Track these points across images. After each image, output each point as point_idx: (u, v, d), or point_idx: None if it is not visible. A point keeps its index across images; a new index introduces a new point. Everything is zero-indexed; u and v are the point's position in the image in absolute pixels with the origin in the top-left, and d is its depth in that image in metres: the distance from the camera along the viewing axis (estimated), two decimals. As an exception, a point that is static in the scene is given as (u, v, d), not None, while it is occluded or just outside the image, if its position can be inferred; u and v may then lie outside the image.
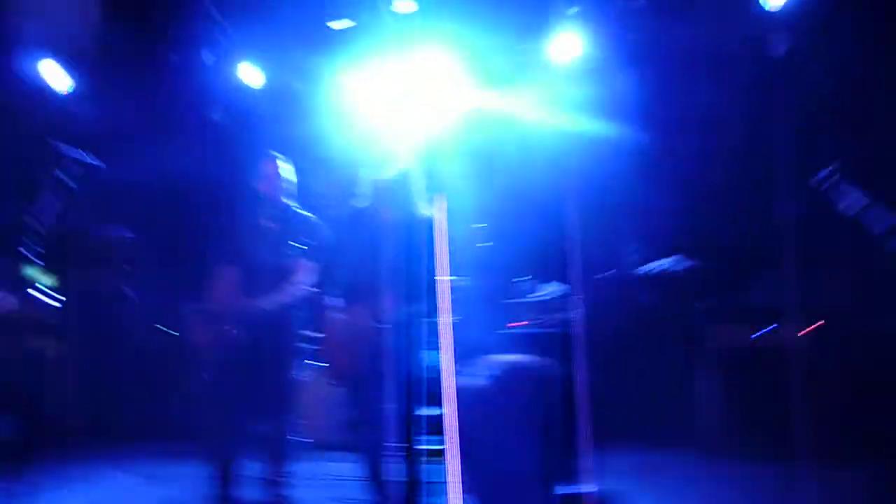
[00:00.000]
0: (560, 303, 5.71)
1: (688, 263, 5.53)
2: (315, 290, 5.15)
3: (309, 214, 4.01)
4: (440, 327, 3.83)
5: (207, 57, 5.95)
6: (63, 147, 3.60)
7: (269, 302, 3.69)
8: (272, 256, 3.86)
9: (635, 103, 5.85)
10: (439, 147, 5.71)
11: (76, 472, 5.04)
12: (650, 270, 5.59)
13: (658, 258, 5.65)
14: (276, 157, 4.03)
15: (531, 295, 5.93)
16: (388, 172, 3.64)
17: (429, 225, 3.52)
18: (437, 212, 3.60)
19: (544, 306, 5.76)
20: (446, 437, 4.24)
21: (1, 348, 5.82)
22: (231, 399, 3.69)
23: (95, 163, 3.66)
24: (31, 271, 5.39)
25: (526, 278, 6.01)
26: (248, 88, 6.19)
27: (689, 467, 4.79)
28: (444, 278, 4.03)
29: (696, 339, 5.34)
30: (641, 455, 5.07)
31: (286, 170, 4.06)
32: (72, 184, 3.56)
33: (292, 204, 4.09)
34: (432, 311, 4.15)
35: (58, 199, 3.50)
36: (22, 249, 3.33)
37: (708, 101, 5.72)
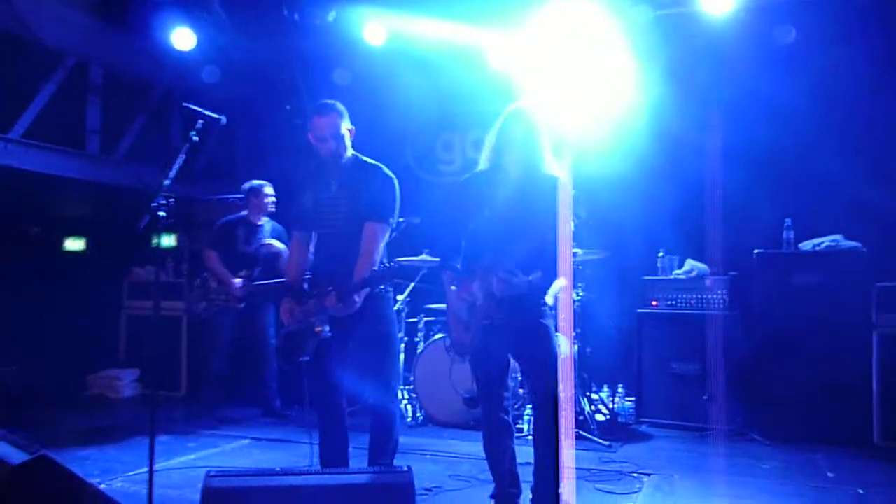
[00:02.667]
0: (704, 281, 5.62)
1: (853, 243, 5.25)
2: (433, 259, 5.47)
3: (389, 172, 3.74)
4: (562, 304, 3.84)
5: (329, 14, 6.12)
6: (193, 108, 3.72)
7: (347, 294, 3.49)
8: (336, 222, 3.70)
9: (791, 61, 5.67)
10: (571, 107, 5.80)
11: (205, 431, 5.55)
12: (809, 249, 5.36)
13: (818, 235, 5.41)
14: (330, 106, 3.70)
15: (673, 272, 5.85)
16: (514, 132, 3.52)
17: (555, 190, 3.46)
18: (563, 177, 3.55)
19: (686, 284, 5.69)
20: (561, 420, 4.28)
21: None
22: (330, 377, 3.74)
23: (223, 121, 3.78)
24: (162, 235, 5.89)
25: (665, 254, 5.96)
26: (369, 48, 6.39)
27: (854, 468, 4.54)
28: (568, 250, 4.04)
29: (863, 325, 5.07)
30: (799, 453, 4.92)
31: (344, 119, 3.71)
32: (199, 141, 3.66)
33: (366, 159, 3.80)
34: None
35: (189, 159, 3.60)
36: (160, 212, 3.36)
37: (872, 60, 5.42)
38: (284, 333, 3.73)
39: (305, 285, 3.79)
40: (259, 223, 6.09)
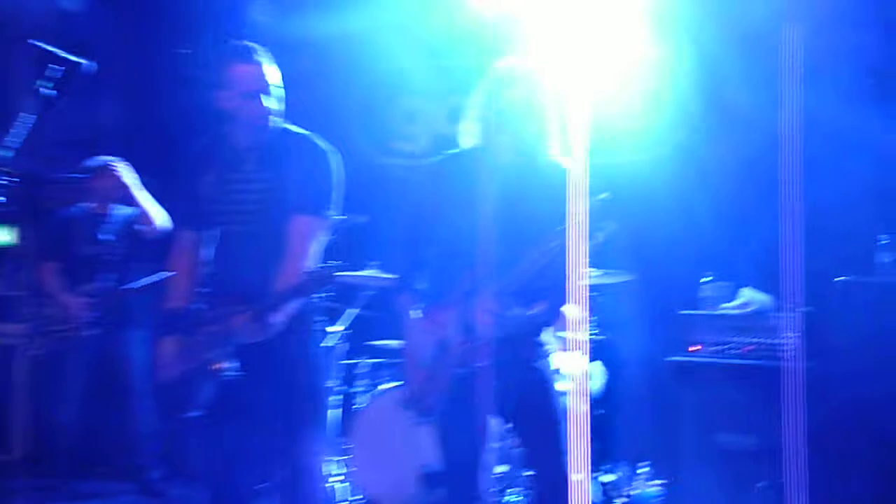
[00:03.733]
0: (768, 319, 5.57)
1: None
2: (385, 276, 5.35)
3: (325, 145, 3.76)
4: (574, 344, 3.83)
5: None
6: (44, 47, 3.72)
7: (271, 302, 3.52)
8: (249, 215, 3.73)
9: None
10: (586, 67, 5.74)
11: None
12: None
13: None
14: (254, 48, 3.70)
15: (722, 305, 5.79)
16: (509, 100, 3.57)
17: (564, 184, 3.50)
18: (575, 167, 3.57)
19: (742, 323, 5.62)
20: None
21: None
22: (231, 440, 3.73)
23: (86, 66, 3.75)
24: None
25: (713, 279, 5.90)
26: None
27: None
28: (582, 270, 4.08)
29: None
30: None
31: (269, 72, 3.71)
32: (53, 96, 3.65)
33: (292, 128, 3.83)
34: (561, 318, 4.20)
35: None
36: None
37: None
38: (167, 378, 3.70)
39: (198, 306, 3.79)
40: (106, 213, 6.14)
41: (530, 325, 3.51)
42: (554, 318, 3.61)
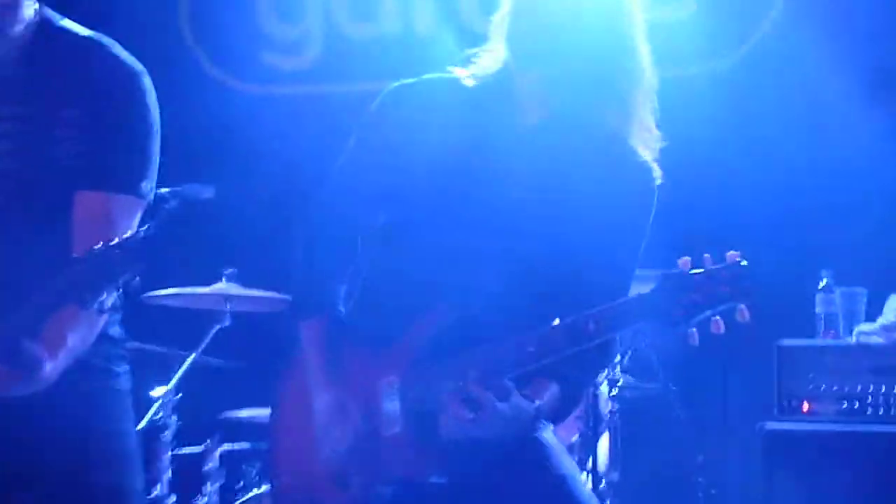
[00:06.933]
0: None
1: None
2: (256, 295, 5.35)
3: (131, 61, 3.08)
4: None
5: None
6: None
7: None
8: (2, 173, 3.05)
9: None
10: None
11: None
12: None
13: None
14: None
15: (856, 329, 5.26)
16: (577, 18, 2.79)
17: (650, 194, 3.05)
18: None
19: (887, 362, 5.08)
20: None
21: None
22: None
23: None
24: None
25: (829, 283, 5.30)
26: None
27: None
28: None
29: None
30: None
31: None
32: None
33: (69, 26, 3.37)
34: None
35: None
36: None
37: None
38: None
39: None
40: None
41: (533, 420, 2.79)
42: (573, 406, 3.05)
